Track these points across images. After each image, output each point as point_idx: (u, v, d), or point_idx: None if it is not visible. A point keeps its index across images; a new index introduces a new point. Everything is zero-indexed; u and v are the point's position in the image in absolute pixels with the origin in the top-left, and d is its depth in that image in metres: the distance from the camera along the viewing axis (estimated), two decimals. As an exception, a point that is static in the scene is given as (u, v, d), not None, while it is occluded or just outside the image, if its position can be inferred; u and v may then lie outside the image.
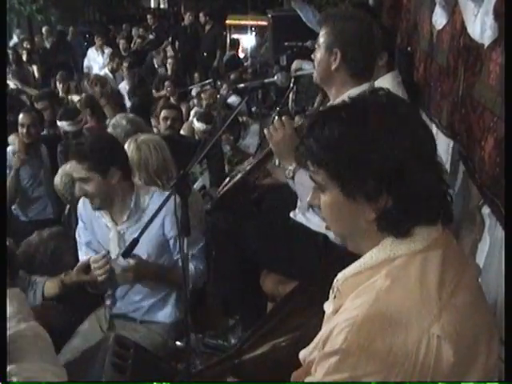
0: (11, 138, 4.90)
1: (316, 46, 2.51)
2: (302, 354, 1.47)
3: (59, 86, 8.02)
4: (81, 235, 2.95)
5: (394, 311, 1.20)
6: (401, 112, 1.29)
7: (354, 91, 2.37)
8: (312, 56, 2.58)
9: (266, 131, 2.50)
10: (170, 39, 11.38)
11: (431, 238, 1.28)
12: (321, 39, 2.47)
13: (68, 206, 3.86)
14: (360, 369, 1.19)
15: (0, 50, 2.04)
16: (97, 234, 2.88)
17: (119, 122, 3.92)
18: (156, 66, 9.69)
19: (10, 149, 4.68)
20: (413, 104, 2.11)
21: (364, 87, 2.38)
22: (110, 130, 3.95)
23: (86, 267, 2.71)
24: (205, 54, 10.59)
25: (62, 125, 5.17)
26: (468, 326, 1.23)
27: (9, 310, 1.30)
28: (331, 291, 1.44)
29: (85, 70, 10.17)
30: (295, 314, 1.65)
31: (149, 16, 13.77)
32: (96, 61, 10.21)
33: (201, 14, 11.14)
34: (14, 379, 1.07)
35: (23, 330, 1.25)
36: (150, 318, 2.86)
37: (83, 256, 2.89)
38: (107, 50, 10.34)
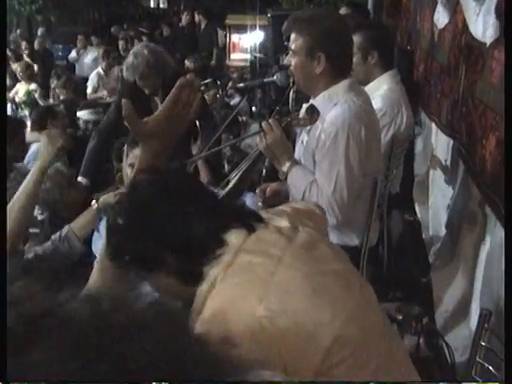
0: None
1: (290, 52, 2.40)
2: None
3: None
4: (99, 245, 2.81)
5: (225, 308, 1.28)
6: None
7: (334, 89, 2.36)
8: (285, 61, 2.51)
9: (258, 139, 2.48)
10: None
11: (236, 249, 1.35)
12: (296, 44, 2.36)
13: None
14: None
15: (0, 50, 2.01)
16: None
17: (140, 51, 3.84)
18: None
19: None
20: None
21: (343, 84, 2.36)
22: (130, 58, 3.86)
23: None
24: (202, 53, 10.58)
25: (82, 114, 5.31)
26: (297, 298, 1.28)
27: None
28: None
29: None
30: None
31: (137, 16, 13.77)
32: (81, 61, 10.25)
33: (195, 13, 11.14)
34: None
35: None
36: None
37: None
38: (93, 50, 10.38)
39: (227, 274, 1.33)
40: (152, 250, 1.36)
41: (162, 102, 4.23)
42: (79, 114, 5.38)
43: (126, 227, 1.38)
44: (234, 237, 1.37)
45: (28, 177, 2.30)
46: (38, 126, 4.91)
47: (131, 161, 2.66)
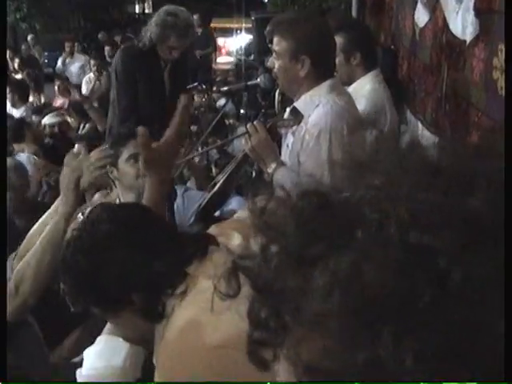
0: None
1: (274, 54, 2.43)
2: None
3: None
4: None
5: None
6: None
7: (316, 90, 2.37)
8: (269, 63, 2.53)
9: (243, 141, 2.49)
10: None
11: (191, 277, 1.31)
12: (279, 47, 2.38)
13: None
14: None
15: (0, 49, 2.00)
16: None
17: (177, 11, 3.69)
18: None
19: None
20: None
21: (324, 85, 2.37)
22: (168, 18, 3.67)
23: None
24: (199, 56, 10.50)
25: (46, 119, 5.51)
26: None
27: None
28: None
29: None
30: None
31: (123, 22, 13.76)
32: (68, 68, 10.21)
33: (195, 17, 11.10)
34: None
35: None
36: None
37: None
38: (79, 57, 10.34)
39: (182, 305, 1.27)
40: (116, 289, 1.30)
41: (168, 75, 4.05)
42: (44, 120, 5.57)
43: (86, 266, 1.31)
44: (193, 267, 1.31)
45: (50, 226, 1.88)
46: (16, 139, 4.84)
47: (130, 152, 2.55)
